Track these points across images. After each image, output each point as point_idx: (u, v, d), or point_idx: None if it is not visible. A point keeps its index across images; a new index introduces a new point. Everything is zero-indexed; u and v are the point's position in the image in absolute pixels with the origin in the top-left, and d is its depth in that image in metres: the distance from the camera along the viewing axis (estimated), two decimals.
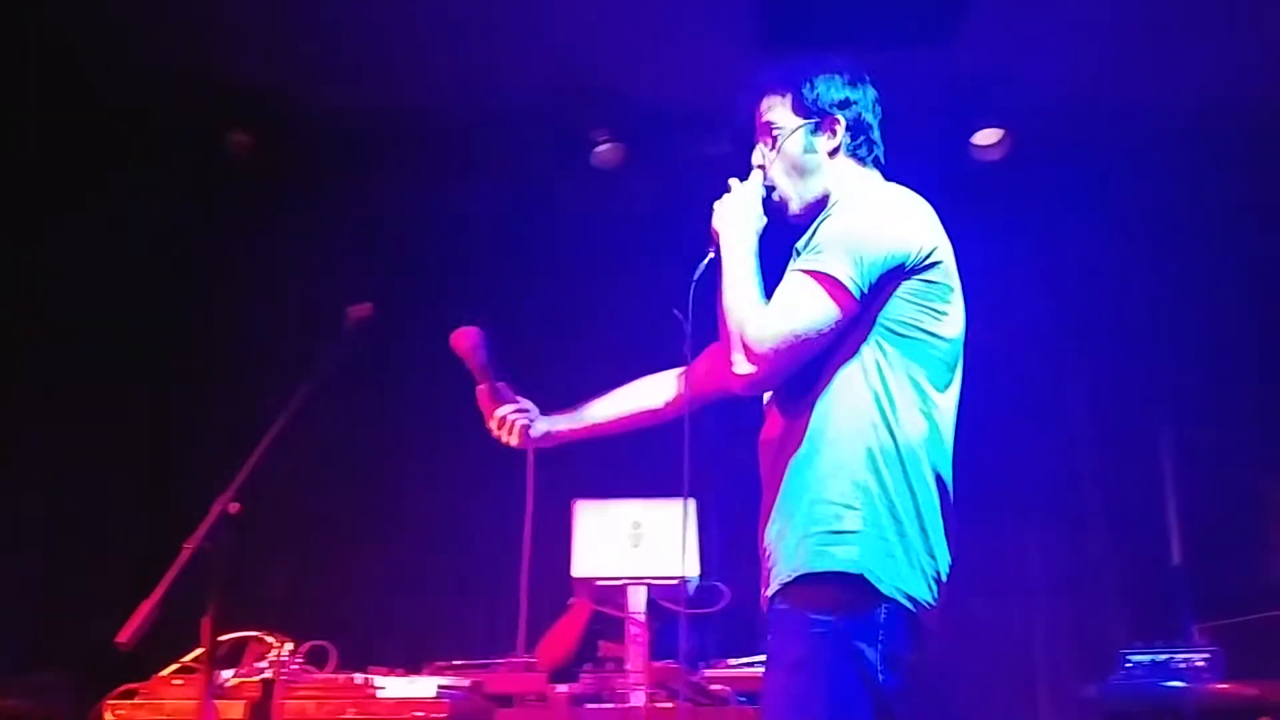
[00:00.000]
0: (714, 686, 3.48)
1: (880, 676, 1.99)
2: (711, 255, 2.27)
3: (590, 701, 3.52)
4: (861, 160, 2.31)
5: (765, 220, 2.27)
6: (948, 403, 2.15)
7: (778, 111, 2.31)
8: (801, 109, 2.29)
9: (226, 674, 2.81)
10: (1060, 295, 5.01)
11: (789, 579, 2.05)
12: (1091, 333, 4.96)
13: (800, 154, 2.28)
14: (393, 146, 4.64)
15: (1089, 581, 4.66)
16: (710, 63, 4.37)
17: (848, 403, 2.08)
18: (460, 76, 4.41)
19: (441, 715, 2.77)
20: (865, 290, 2.07)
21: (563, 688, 3.54)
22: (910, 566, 2.03)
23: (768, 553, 2.15)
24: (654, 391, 2.73)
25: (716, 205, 2.30)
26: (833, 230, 2.13)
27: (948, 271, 2.15)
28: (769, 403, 2.28)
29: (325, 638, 3.16)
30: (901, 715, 2.04)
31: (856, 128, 2.29)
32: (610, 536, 3.68)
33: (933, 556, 2.07)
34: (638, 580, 3.57)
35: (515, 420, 2.73)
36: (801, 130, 2.27)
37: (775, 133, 2.30)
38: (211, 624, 2.52)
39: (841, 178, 2.28)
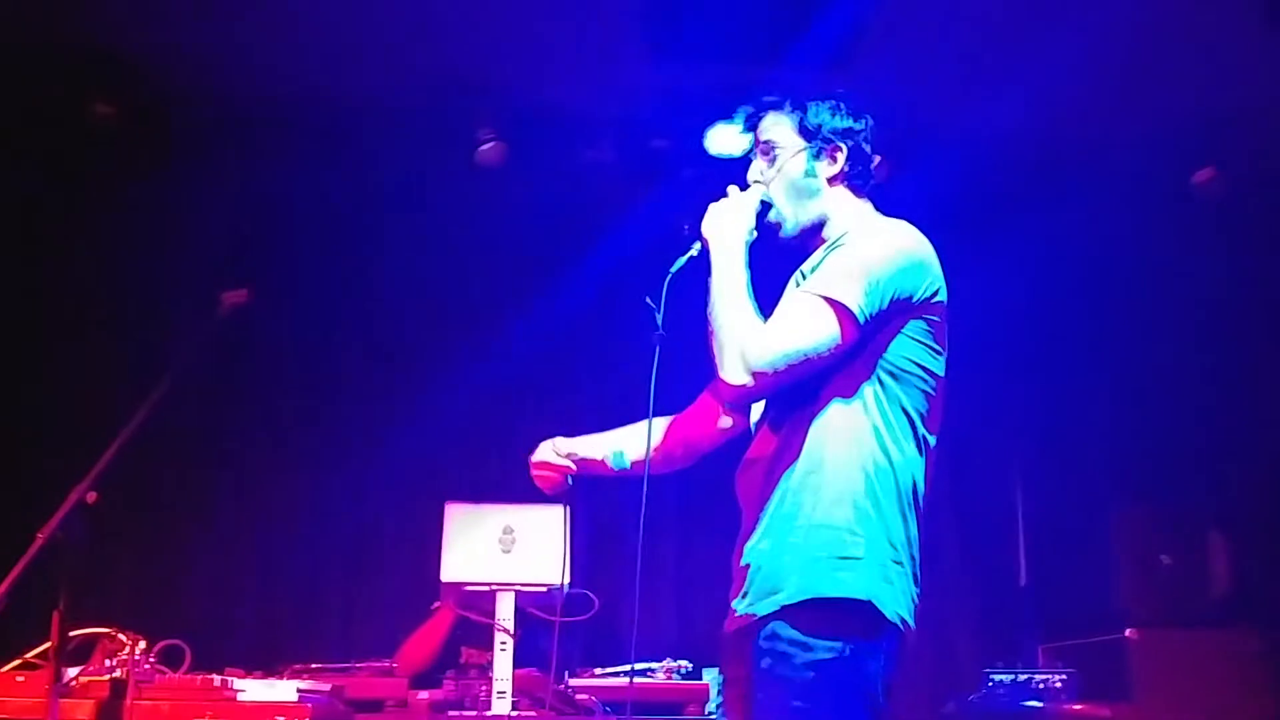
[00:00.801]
0: (579, 696, 3.45)
1: (881, 701, 2.03)
2: (693, 253, 2.27)
3: (452, 708, 3.47)
4: (858, 190, 2.34)
5: (755, 235, 2.27)
6: (935, 435, 2.20)
7: (780, 131, 2.31)
8: (805, 132, 2.30)
9: (73, 671, 2.65)
10: None
11: (793, 602, 2.04)
12: (949, 351, 5.08)
13: (800, 176, 2.29)
14: (271, 130, 4.46)
15: (942, 603, 4.78)
16: (598, 69, 4.37)
17: (847, 430, 2.11)
18: (347, 62, 4.29)
19: (304, 719, 2.67)
20: (869, 319, 2.10)
21: (424, 694, 3.48)
22: (904, 593, 2.08)
23: (751, 570, 2.14)
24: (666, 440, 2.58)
25: (712, 207, 2.28)
26: (844, 258, 2.15)
27: (944, 310, 2.20)
28: (760, 423, 2.29)
29: (178, 637, 3.02)
30: None
31: (856, 157, 2.31)
32: (481, 541, 3.62)
33: (916, 583, 2.12)
34: (507, 586, 3.52)
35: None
36: (804, 153, 2.29)
37: (776, 151, 2.31)
38: (61, 618, 2.39)
39: (839, 205, 2.31)
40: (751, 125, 2.36)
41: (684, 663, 3.71)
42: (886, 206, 2.39)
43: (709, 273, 2.23)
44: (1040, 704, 3.39)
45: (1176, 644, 4.06)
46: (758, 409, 2.32)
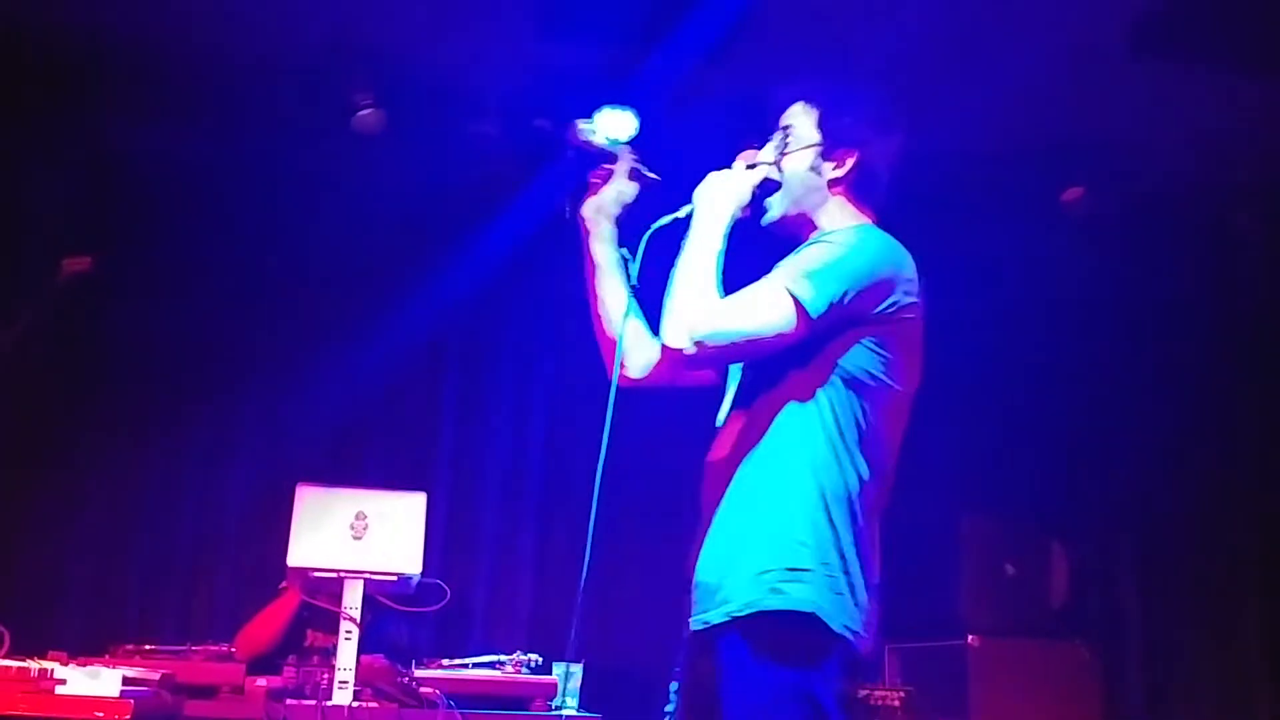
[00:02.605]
0: (424, 689, 3.39)
1: (836, 714, 2.01)
2: (680, 215, 2.26)
3: (291, 696, 3.37)
4: (859, 199, 2.31)
5: (746, 213, 2.27)
6: (893, 448, 2.19)
7: (800, 120, 2.31)
8: (823, 128, 2.29)
9: None
10: None
11: (743, 614, 2.04)
12: None
13: (804, 170, 2.28)
14: (133, 79, 4.23)
15: None
16: (484, 40, 4.27)
17: (803, 440, 2.10)
18: (217, 9, 4.09)
19: (125, 716, 2.55)
20: (820, 317, 2.07)
21: (262, 680, 3.37)
22: (854, 604, 2.06)
23: (705, 577, 2.13)
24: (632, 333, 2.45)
25: (711, 175, 2.27)
26: (812, 255, 2.14)
27: (914, 324, 2.18)
28: (721, 426, 2.27)
29: (7, 618, 2.87)
30: None
31: (865, 167, 2.29)
32: (332, 526, 3.52)
33: (869, 589, 2.10)
34: (356, 574, 3.43)
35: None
36: (815, 149, 2.28)
37: (789, 139, 2.30)
38: None
39: (833, 208, 2.29)
40: (780, 109, 2.34)
41: (534, 656, 3.67)
42: None
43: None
44: None
45: (1015, 652, 4.21)
46: (722, 412, 2.30)
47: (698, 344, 2.09)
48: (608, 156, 2.46)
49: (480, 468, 4.61)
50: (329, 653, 3.46)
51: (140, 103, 4.26)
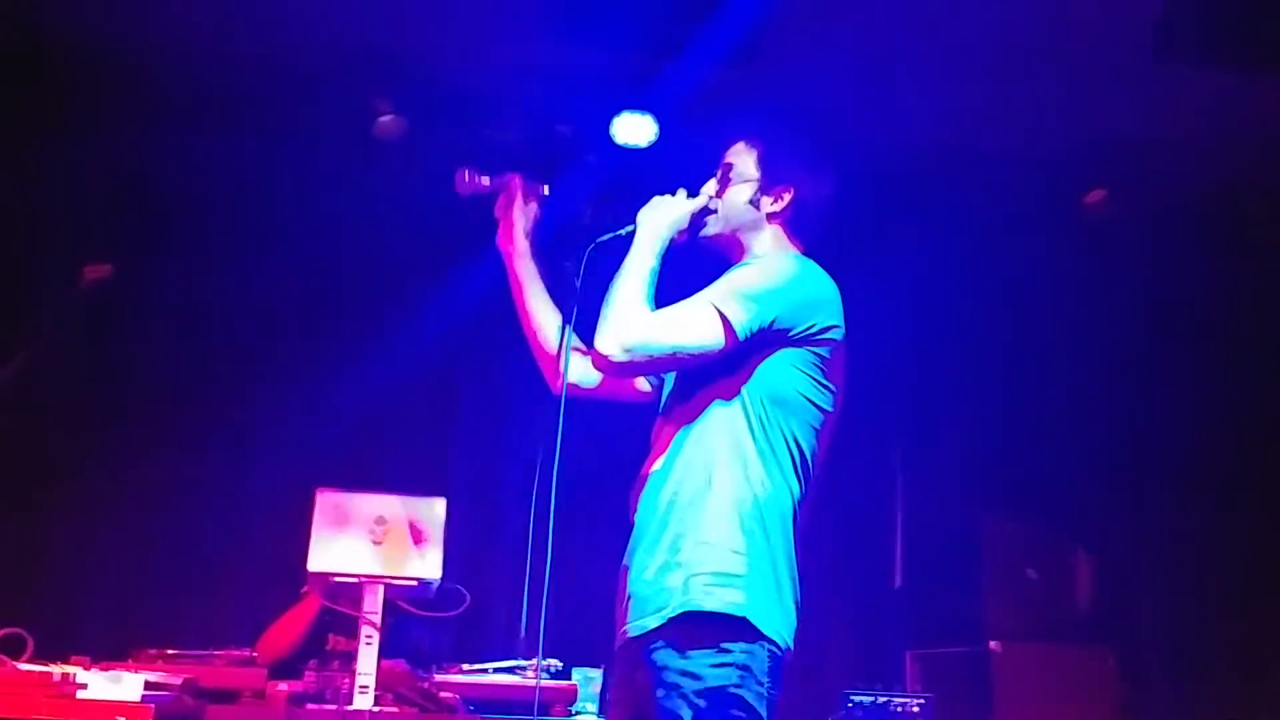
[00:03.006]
0: (444, 694, 3.40)
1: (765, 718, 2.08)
2: (622, 233, 2.40)
3: (312, 701, 3.38)
4: (792, 233, 2.45)
5: (683, 237, 2.41)
6: (816, 465, 2.29)
7: (742, 158, 2.47)
8: (761, 166, 2.45)
9: None
10: None
11: (675, 614, 2.11)
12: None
13: (743, 204, 2.44)
14: (155, 88, 4.27)
15: (813, 597, 4.82)
16: (503, 46, 4.28)
17: (734, 452, 2.20)
18: (240, 19, 4.12)
19: None
20: (748, 337, 2.21)
21: (283, 685, 3.38)
22: (784, 610, 2.15)
23: (639, 587, 2.21)
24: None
25: (655, 199, 2.42)
26: (743, 276, 2.30)
27: (836, 350, 2.30)
28: (654, 440, 2.38)
29: (33, 622, 2.89)
30: None
31: (802, 204, 2.44)
32: (352, 530, 3.53)
33: (795, 602, 2.19)
34: (376, 579, 3.44)
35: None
36: (753, 184, 2.44)
37: (731, 175, 2.46)
38: None
39: (768, 239, 2.43)
40: (724, 147, 2.50)
41: (554, 661, 3.67)
42: None
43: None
44: None
45: (1037, 658, 4.18)
46: (656, 427, 2.40)
47: (627, 352, 2.22)
48: (499, 187, 2.63)
49: (500, 472, 4.62)
50: (349, 657, 3.47)
51: (159, 111, 4.30)
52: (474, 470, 4.62)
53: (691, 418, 2.26)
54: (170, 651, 3.48)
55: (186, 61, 4.24)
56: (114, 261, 2.69)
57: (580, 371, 2.50)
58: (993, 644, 4.15)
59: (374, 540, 3.53)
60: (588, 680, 3.60)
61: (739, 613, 2.09)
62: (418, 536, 3.51)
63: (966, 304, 5.12)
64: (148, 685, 2.72)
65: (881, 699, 3.49)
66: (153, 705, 2.60)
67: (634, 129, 4.58)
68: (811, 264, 2.36)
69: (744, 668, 2.08)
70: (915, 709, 3.47)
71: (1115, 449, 4.99)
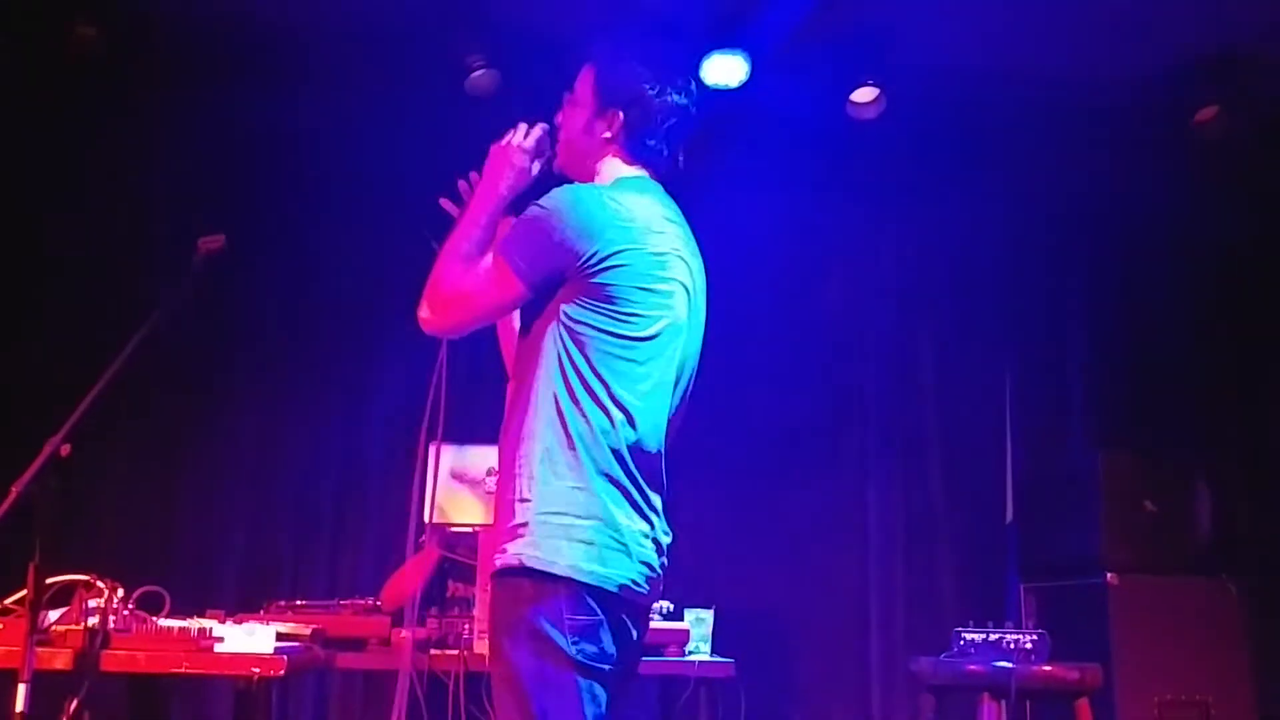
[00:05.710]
0: None
1: (573, 650, 2.04)
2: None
3: (435, 646, 3.49)
4: (631, 155, 2.31)
5: (533, 178, 2.32)
6: (645, 394, 2.17)
7: (582, 83, 2.34)
8: (596, 89, 2.31)
9: (53, 615, 2.67)
10: (919, 255, 5.10)
11: (499, 569, 2.11)
12: (945, 294, 5.07)
13: (579, 132, 2.32)
14: (255, 58, 4.36)
15: (923, 534, 4.81)
16: None
17: (547, 399, 2.14)
18: None
19: (279, 670, 2.69)
20: (536, 282, 2.15)
21: (406, 632, 3.50)
22: (610, 558, 2.08)
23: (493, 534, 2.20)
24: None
25: (494, 147, 2.35)
26: (519, 223, 2.19)
27: (638, 274, 2.15)
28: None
29: (165, 579, 3.04)
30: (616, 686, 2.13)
31: (635, 124, 2.29)
32: (466, 481, 3.62)
33: (627, 549, 2.11)
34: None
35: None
36: (589, 109, 2.31)
37: (570, 101, 2.35)
38: (36, 572, 2.40)
39: (607, 164, 2.32)
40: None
41: (665, 603, 3.72)
42: None
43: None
44: (1010, 665, 3.42)
45: (1156, 591, 4.10)
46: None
47: (436, 318, 2.21)
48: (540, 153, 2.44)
49: None
50: (469, 604, 3.57)
51: (256, 77, 4.38)
52: None
53: (519, 369, 2.23)
54: (299, 603, 3.63)
55: (279, 24, 4.30)
56: (223, 228, 2.75)
57: None
58: (1110, 576, 4.08)
59: (488, 491, 3.62)
60: (700, 621, 3.65)
61: (560, 563, 2.05)
62: None
63: (1080, 229, 5.01)
64: (279, 636, 2.84)
65: (994, 635, 3.45)
66: (285, 656, 2.71)
67: (726, 70, 4.53)
68: (586, 192, 2.21)
69: (537, 601, 2.05)
70: (1029, 645, 3.42)
71: (1235, 376, 4.84)
